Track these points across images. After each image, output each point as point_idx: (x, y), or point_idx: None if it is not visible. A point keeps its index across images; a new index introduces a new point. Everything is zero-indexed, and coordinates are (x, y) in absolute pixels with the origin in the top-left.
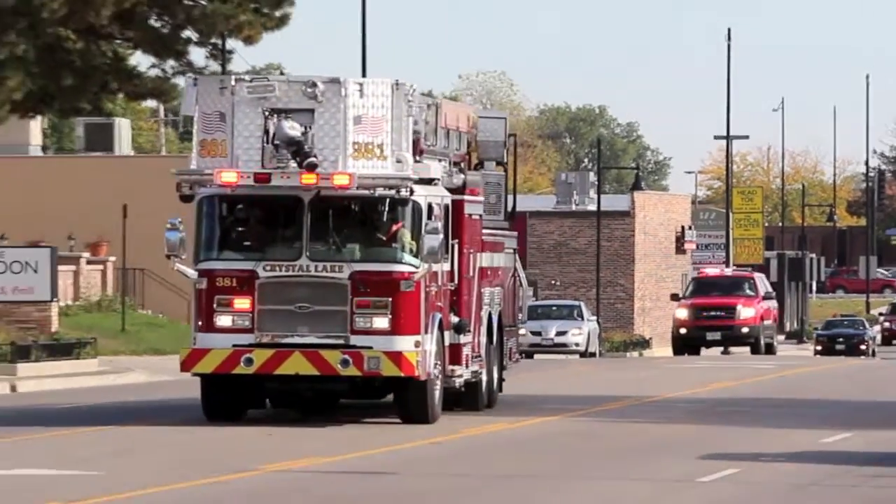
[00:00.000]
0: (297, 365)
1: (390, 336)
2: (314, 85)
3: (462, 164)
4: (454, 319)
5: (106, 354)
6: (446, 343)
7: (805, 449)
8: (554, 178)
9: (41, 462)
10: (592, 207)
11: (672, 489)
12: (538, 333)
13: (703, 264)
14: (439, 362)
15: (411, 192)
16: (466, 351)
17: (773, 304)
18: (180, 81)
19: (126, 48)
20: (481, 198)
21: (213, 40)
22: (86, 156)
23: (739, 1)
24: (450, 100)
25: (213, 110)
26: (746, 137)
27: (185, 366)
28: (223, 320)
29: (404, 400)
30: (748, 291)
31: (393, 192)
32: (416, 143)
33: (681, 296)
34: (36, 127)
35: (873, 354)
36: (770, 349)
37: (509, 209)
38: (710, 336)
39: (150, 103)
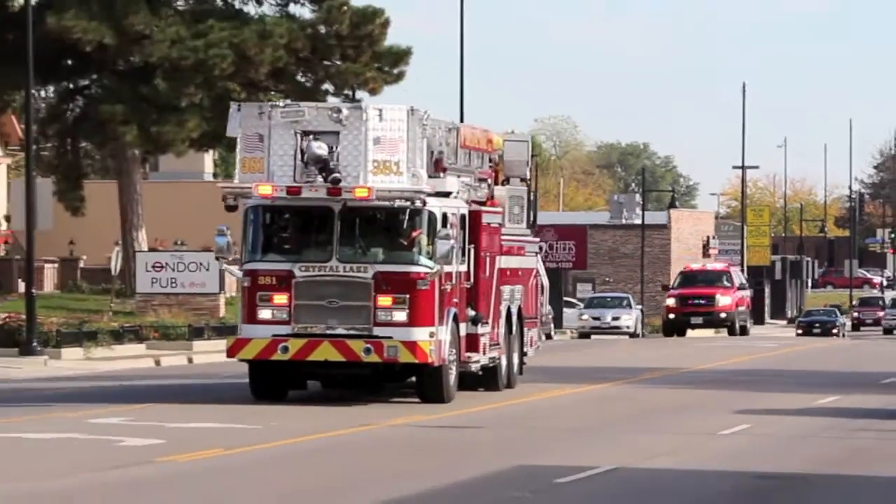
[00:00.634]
0: (326, 352)
1: (408, 327)
2: (339, 111)
3: (489, 180)
4: (470, 313)
5: None
6: (462, 333)
7: (804, 407)
8: (608, 199)
9: (212, 418)
10: (638, 221)
11: (697, 440)
12: (597, 318)
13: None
14: (454, 350)
15: (424, 203)
16: (484, 340)
17: (748, 293)
18: None
19: (279, 98)
20: (499, 208)
21: (345, 91)
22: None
23: (754, 60)
24: (468, 126)
25: (253, 132)
26: (757, 167)
27: (231, 352)
28: (264, 313)
29: (421, 383)
30: (725, 283)
31: (408, 203)
32: (438, 161)
33: (670, 287)
34: (208, 158)
35: (843, 336)
36: (744, 331)
37: (531, 219)
38: (693, 320)
39: None
